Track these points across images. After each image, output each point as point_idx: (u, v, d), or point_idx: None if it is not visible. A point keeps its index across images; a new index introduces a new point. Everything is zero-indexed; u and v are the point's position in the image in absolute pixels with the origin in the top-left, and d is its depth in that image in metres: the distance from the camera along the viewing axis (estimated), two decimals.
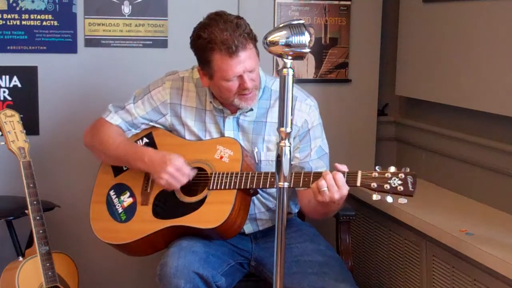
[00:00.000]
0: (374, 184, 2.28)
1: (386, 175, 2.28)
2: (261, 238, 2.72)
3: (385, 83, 3.59)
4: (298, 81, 3.31)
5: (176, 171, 2.52)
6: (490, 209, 2.91)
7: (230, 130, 2.64)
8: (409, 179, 2.26)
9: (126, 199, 2.67)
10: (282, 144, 1.85)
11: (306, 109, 2.63)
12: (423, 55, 3.30)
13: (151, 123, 2.74)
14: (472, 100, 2.97)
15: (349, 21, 3.43)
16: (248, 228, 2.68)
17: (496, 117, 2.86)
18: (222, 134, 2.64)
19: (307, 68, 3.41)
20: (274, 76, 2.72)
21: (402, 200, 2.26)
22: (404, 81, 3.48)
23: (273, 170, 2.44)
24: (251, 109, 2.61)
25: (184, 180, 2.54)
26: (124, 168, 2.73)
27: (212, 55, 2.47)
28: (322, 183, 2.27)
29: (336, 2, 3.41)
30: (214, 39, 2.44)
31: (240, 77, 2.48)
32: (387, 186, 2.27)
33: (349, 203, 3.19)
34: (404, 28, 3.46)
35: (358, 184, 2.30)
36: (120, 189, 2.70)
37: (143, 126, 2.74)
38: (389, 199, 2.27)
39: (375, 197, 2.28)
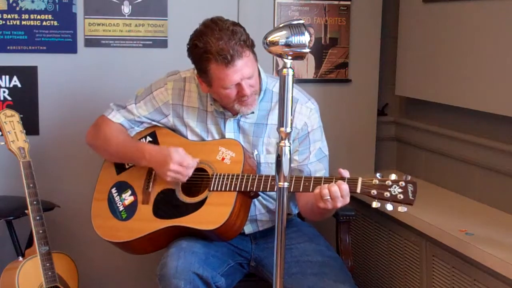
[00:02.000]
0: (374, 192, 2.27)
1: (386, 182, 2.27)
2: (260, 239, 2.72)
3: (385, 83, 3.59)
4: (298, 81, 3.31)
5: (179, 167, 2.52)
6: (490, 209, 2.91)
7: (231, 132, 2.64)
8: (410, 188, 2.25)
9: (128, 198, 2.67)
10: (282, 144, 1.85)
11: (306, 112, 2.63)
12: (423, 55, 3.30)
13: (153, 123, 2.74)
14: (472, 100, 2.97)
15: (349, 21, 3.43)
16: (248, 228, 2.68)
17: (496, 117, 2.86)
18: (223, 136, 2.64)
19: (307, 68, 3.41)
20: (275, 78, 2.71)
21: (402, 209, 2.25)
22: (404, 81, 3.48)
23: (273, 172, 2.46)
24: (252, 112, 2.61)
25: (190, 172, 2.55)
26: (127, 166, 2.73)
27: (208, 65, 2.46)
28: (325, 191, 2.27)
29: (336, 2, 3.40)
30: (209, 48, 2.43)
31: (238, 84, 2.48)
32: (387, 194, 2.26)
33: (349, 203, 3.19)
34: (404, 28, 3.45)
35: (358, 191, 2.29)
36: (122, 187, 2.70)
37: (145, 125, 2.75)
38: (389, 207, 2.25)
39: (375, 204, 2.26)
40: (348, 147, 3.48)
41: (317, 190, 2.30)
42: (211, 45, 2.43)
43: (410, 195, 2.25)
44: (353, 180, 2.31)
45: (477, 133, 3.04)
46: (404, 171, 2.31)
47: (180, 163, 2.53)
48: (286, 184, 1.87)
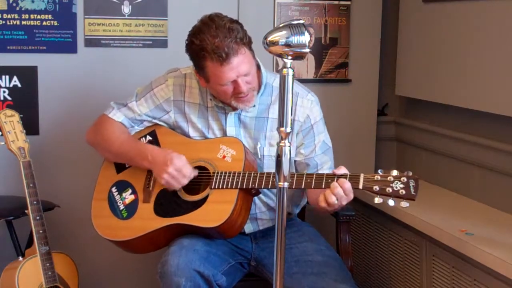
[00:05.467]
0: (376, 187, 2.29)
1: (388, 178, 2.28)
2: (261, 238, 2.72)
3: (385, 83, 3.60)
4: (298, 81, 3.31)
5: (176, 172, 2.52)
6: (490, 209, 2.91)
7: (232, 126, 2.65)
8: (411, 183, 2.27)
9: (128, 196, 2.67)
10: (282, 144, 1.86)
11: (308, 105, 2.65)
12: (423, 55, 3.30)
13: (154, 120, 2.74)
14: (472, 100, 2.97)
15: (349, 21, 3.43)
16: (248, 227, 2.68)
17: (496, 117, 2.86)
18: (224, 131, 2.65)
19: (307, 68, 3.41)
20: (275, 73, 2.73)
21: (404, 204, 2.26)
22: (404, 81, 3.48)
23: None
24: (254, 105, 2.62)
25: (185, 182, 2.54)
26: (127, 165, 2.73)
27: (204, 62, 2.48)
28: (333, 198, 2.31)
29: (336, 2, 3.41)
30: (205, 46, 2.44)
31: (235, 81, 2.49)
32: (389, 190, 2.27)
33: (349, 203, 3.19)
34: (404, 28, 3.46)
35: (361, 187, 2.31)
36: (122, 186, 2.70)
37: (146, 124, 2.75)
38: (391, 202, 2.27)
39: (377, 200, 2.28)
40: (348, 147, 3.48)
41: (322, 202, 2.33)
42: (207, 43, 2.44)
43: (412, 190, 2.26)
44: (355, 176, 2.32)
45: (477, 133, 3.04)
46: (404, 171, 2.31)
47: (179, 170, 2.53)
48: (286, 184, 1.87)
